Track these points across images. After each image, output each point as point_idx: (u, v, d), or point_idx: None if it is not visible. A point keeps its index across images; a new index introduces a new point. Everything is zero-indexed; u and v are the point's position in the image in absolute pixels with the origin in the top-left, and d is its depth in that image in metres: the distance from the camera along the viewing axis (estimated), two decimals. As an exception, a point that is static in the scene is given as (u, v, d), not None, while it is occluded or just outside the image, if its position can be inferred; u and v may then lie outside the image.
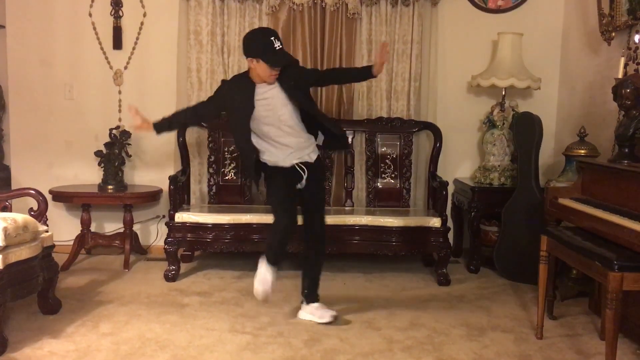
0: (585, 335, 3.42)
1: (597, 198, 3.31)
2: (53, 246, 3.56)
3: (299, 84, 3.43)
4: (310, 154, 3.50)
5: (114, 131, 4.77)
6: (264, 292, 3.34)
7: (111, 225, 4.97)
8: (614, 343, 2.69)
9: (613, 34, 4.00)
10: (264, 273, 3.34)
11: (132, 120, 3.63)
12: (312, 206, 3.55)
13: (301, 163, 3.46)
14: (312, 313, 3.54)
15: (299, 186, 3.47)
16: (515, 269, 4.37)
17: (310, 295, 3.59)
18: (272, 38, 3.29)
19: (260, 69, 3.31)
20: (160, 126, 3.55)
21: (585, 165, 3.53)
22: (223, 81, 3.89)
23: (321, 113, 3.83)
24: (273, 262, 3.35)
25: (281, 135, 3.42)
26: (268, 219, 3.65)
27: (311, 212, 3.56)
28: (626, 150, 3.32)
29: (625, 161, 3.27)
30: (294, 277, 3.92)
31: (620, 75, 3.51)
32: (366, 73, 3.42)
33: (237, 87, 3.44)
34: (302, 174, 3.45)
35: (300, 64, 4.69)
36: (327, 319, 3.49)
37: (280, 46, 3.31)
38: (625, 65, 3.63)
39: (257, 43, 3.31)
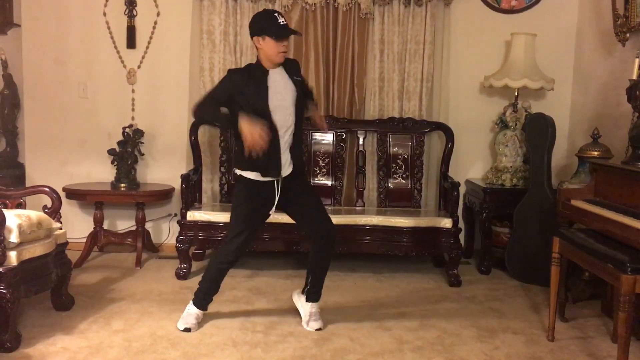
0: (597, 337, 3.40)
1: (610, 200, 3.28)
2: (66, 243, 3.60)
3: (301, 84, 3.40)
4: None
5: (127, 129, 4.80)
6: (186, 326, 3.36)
7: (123, 223, 5.00)
8: (626, 346, 2.68)
9: (627, 35, 3.97)
10: (186, 314, 3.40)
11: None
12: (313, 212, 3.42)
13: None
14: (305, 311, 3.46)
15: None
16: (526, 271, 4.35)
17: (312, 294, 3.48)
18: (276, 14, 3.24)
19: (267, 46, 3.19)
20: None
21: (599, 166, 3.51)
22: (231, 71, 3.44)
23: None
24: (200, 305, 3.43)
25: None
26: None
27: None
28: (640, 152, 3.29)
29: (639, 163, 3.25)
30: (303, 277, 3.92)
31: (634, 77, 3.49)
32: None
33: (249, 75, 3.25)
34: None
35: (313, 63, 4.76)
36: (311, 328, 3.40)
37: (285, 22, 3.23)
38: (640, 66, 3.61)
39: (262, 20, 3.24)
